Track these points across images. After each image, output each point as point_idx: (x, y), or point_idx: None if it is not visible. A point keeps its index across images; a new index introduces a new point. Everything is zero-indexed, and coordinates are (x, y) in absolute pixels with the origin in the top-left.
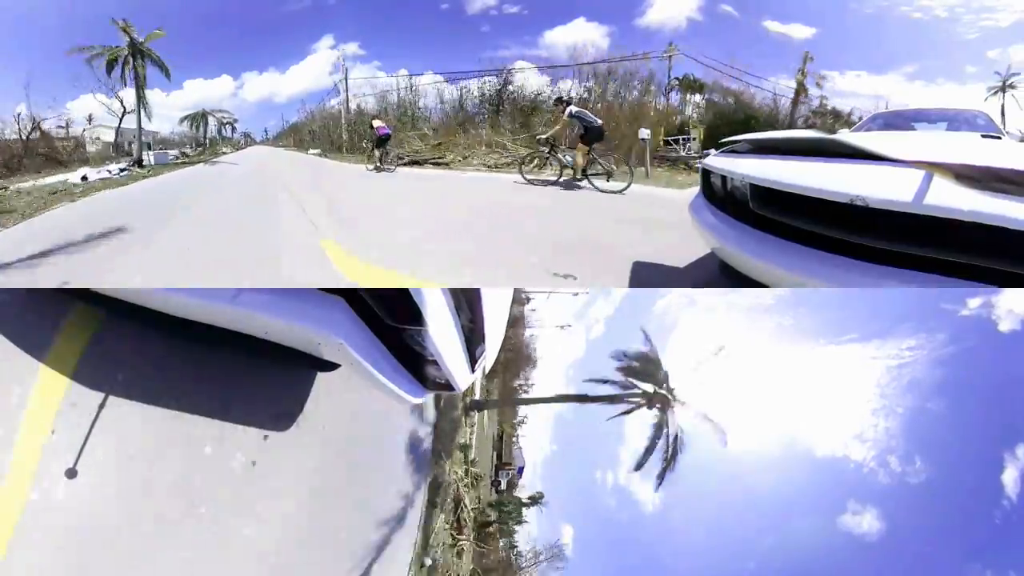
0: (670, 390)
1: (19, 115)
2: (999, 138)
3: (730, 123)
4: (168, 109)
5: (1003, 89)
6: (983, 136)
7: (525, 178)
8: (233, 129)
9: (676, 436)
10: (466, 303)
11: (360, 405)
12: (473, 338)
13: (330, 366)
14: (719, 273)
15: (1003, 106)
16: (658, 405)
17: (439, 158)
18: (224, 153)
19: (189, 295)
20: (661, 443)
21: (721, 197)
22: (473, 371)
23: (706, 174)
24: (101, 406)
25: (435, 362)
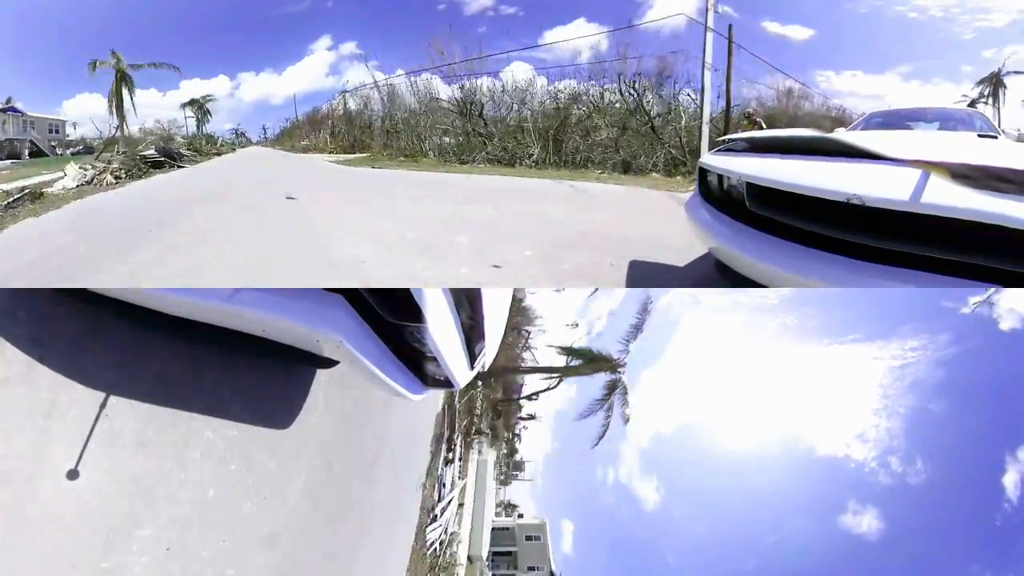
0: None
1: None
2: (995, 137)
3: None
4: (163, 110)
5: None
6: (979, 136)
7: None
8: (205, 114)
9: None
10: (466, 302)
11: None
12: (473, 336)
13: (329, 362)
14: (716, 272)
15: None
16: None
17: None
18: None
19: (188, 295)
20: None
21: (718, 196)
22: (472, 368)
23: (703, 173)
24: (101, 406)
25: (434, 359)
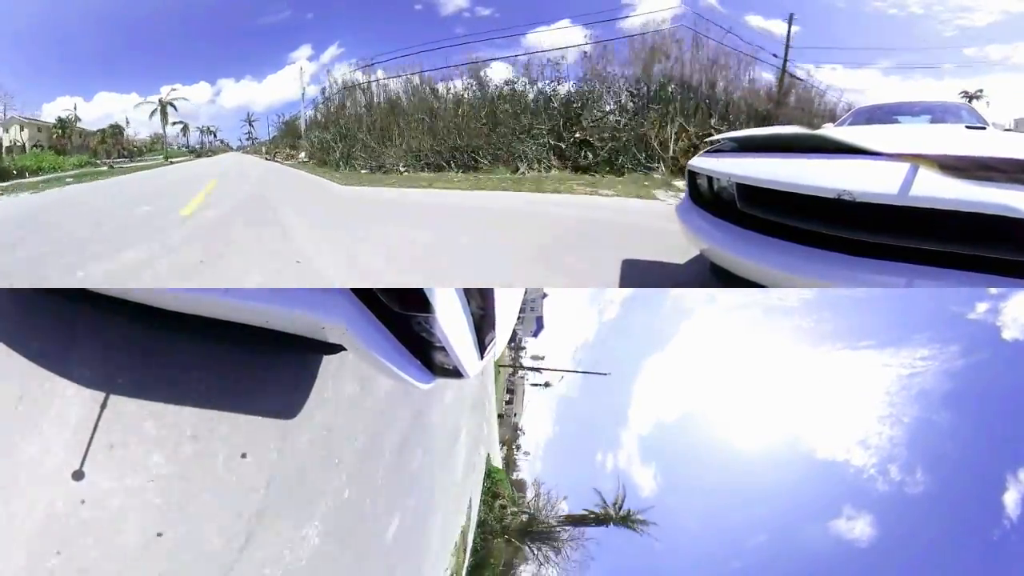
0: None
1: None
2: (984, 129)
3: None
4: (147, 113)
5: None
6: (968, 127)
7: None
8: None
9: None
10: (478, 297)
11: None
12: (483, 326)
13: (335, 348)
14: (710, 274)
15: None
16: None
17: None
18: None
19: (189, 292)
20: None
21: (708, 199)
22: (482, 358)
23: (692, 176)
24: (103, 406)
25: (443, 348)
